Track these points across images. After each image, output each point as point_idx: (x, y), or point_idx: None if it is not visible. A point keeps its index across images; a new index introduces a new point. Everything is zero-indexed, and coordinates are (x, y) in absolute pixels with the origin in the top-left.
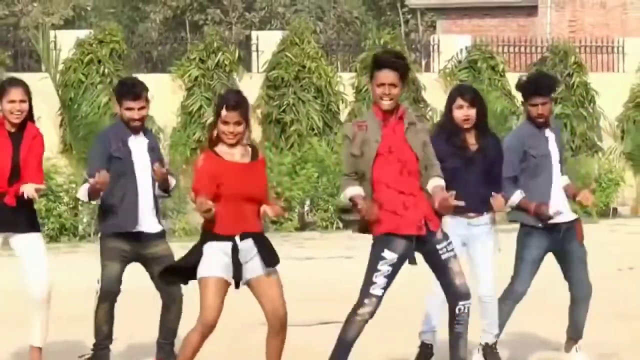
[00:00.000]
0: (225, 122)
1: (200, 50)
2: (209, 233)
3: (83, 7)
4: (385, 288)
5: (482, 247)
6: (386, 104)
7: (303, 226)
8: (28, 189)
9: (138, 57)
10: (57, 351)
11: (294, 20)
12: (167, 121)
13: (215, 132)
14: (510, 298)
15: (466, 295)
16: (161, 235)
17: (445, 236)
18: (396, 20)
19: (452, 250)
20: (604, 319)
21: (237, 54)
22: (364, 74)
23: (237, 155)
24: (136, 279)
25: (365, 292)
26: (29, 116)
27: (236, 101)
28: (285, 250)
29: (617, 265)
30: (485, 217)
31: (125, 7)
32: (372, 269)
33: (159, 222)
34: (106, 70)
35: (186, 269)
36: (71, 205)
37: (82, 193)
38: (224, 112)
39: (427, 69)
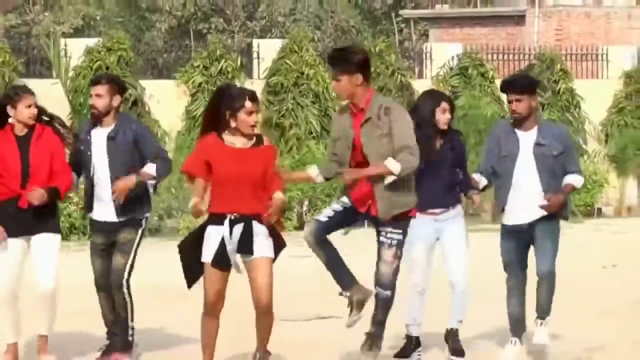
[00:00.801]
0: (251, 113)
1: (203, 57)
2: (208, 216)
3: (92, 16)
4: (329, 217)
5: (453, 239)
6: (340, 96)
7: (302, 225)
8: (32, 196)
9: (144, 64)
10: (65, 344)
11: (293, 29)
12: (172, 125)
13: (232, 123)
14: None
15: (382, 285)
16: (126, 223)
17: (397, 226)
18: (390, 29)
19: (390, 239)
20: (589, 316)
21: (239, 61)
22: None
23: (238, 143)
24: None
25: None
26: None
27: (254, 93)
28: (285, 248)
29: (602, 263)
30: (452, 212)
31: (132, 16)
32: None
33: (130, 211)
34: None
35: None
36: (81, 205)
37: None
38: (248, 103)
39: (420, 75)
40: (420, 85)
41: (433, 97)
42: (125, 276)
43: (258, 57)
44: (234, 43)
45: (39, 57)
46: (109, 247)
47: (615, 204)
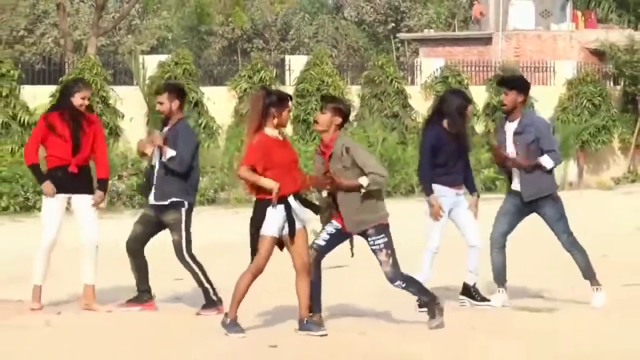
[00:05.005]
0: (290, 110)
1: (248, 69)
2: (266, 200)
3: (164, 38)
4: (326, 241)
5: (464, 209)
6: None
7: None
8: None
9: (203, 74)
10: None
11: (316, 48)
12: (224, 121)
13: (274, 120)
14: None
15: (391, 280)
16: (167, 206)
17: (377, 232)
18: (390, 48)
19: (378, 244)
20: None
21: (274, 72)
22: (366, 87)
23: (279, 136)
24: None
25: (312, 243)
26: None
27: (290, 95)
28: (309, 215)
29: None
30: (464, 188)
31: (194, 38)
32: (321, 230)
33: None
34: None
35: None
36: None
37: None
38: (290, 103)
39: (412, 83)
40: (412, 90)
41: (463, 101)
42: (184, 250)
43: (289, 69)
44: (271, 58)
45: (123, 69)
46: (154, 220)
47: (560, 181)
